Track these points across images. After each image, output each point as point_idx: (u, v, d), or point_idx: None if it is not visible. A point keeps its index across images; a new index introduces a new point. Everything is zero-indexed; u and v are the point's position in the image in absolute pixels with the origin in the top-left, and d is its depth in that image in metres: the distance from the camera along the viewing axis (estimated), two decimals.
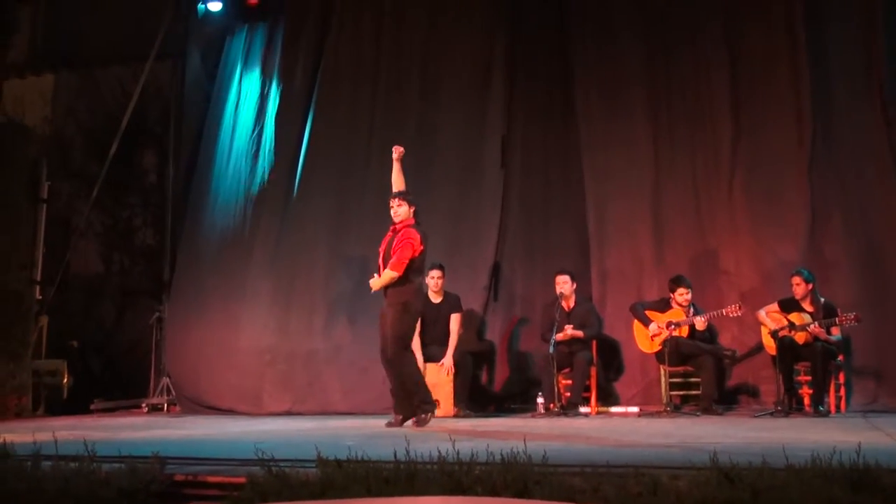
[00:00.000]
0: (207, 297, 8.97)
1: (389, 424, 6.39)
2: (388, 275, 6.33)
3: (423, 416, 6.26)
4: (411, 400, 6.33)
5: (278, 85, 9.33)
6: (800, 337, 6.97)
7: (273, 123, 9.23)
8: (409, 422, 6.32)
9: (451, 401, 7.46)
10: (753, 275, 7.80)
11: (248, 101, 9.48)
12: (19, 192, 8.85)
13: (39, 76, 10.76)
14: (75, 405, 8.89)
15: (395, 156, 6.68)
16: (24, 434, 4.49)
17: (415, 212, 6.52)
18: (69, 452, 3.84)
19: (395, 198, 6.57)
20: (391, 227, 6.55)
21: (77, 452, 3.82)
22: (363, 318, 8.09)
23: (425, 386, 6.47)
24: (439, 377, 7.48)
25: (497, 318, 8.33)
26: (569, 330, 7.46)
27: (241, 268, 8.89)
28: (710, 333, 7.52)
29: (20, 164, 8.89)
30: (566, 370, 7.53)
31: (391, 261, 6.33)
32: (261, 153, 9.20)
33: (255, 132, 9.30)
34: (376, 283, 6.43)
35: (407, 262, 6.32)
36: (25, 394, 8.47)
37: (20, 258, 8.78)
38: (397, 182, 6.69)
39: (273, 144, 9.15)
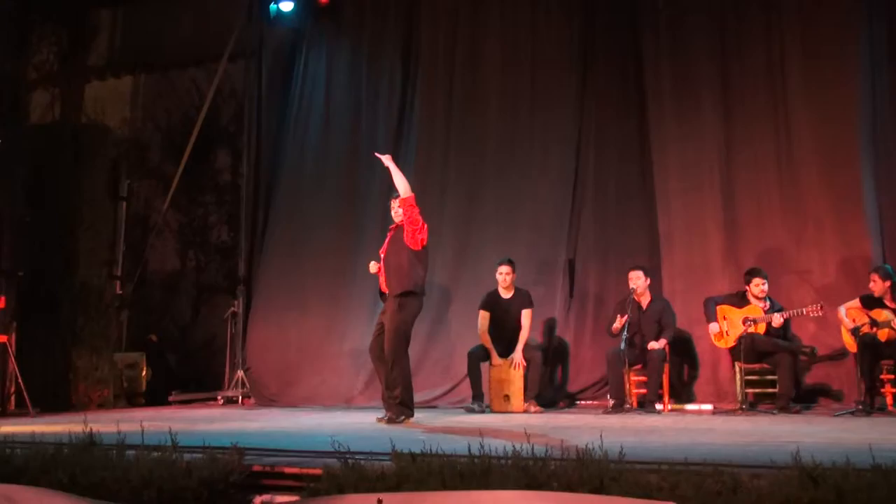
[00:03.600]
0: (303, 299, 9.09)
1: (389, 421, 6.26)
2: (403, 186, 6.22)
3: (400, 418, 6.17)
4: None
5: (367, 98, 9.37)
6: (882, 334, 6.74)
7: (366, 142, 9.23)
8: (385, 415, 6.26)
9: (522, 396, 7.44)
10: (831, 272, 7.57)
11: (339, 112, 9.49)
12: (100, 191, 9.17)
13: (119, 79, 11.06)
14: (153, 397, 9.18)
15: (384, 162, 6.39)
16: (109, 424, 4.63)
17: (419, 212, 6.36)
18: (151, 442, 3.96)
19: (396, 198, 6.40)
20: (390, 228, 6.51)
21: (159, 442, 3.94)
22: (445, 318, 8.38)
23: (411, 392, 6.34)
24: (510, 373, 7.47)
25: (569, 314, 8.27)
26: (655, 344, 7.29)
27: (346, 276, 8.97)
28: (786, 330, 7.33)
29: (101, 163, 9.20)
30: (637, 367, 7.44)
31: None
32: (356, 172, 9.25)
33: (345, 147, 9.36)
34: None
35: (420, 221, 6.23)
36: (107, 386, 8.77)
37: (102, 255, 9.11)
38: (400, 183, 6.35)
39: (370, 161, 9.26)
